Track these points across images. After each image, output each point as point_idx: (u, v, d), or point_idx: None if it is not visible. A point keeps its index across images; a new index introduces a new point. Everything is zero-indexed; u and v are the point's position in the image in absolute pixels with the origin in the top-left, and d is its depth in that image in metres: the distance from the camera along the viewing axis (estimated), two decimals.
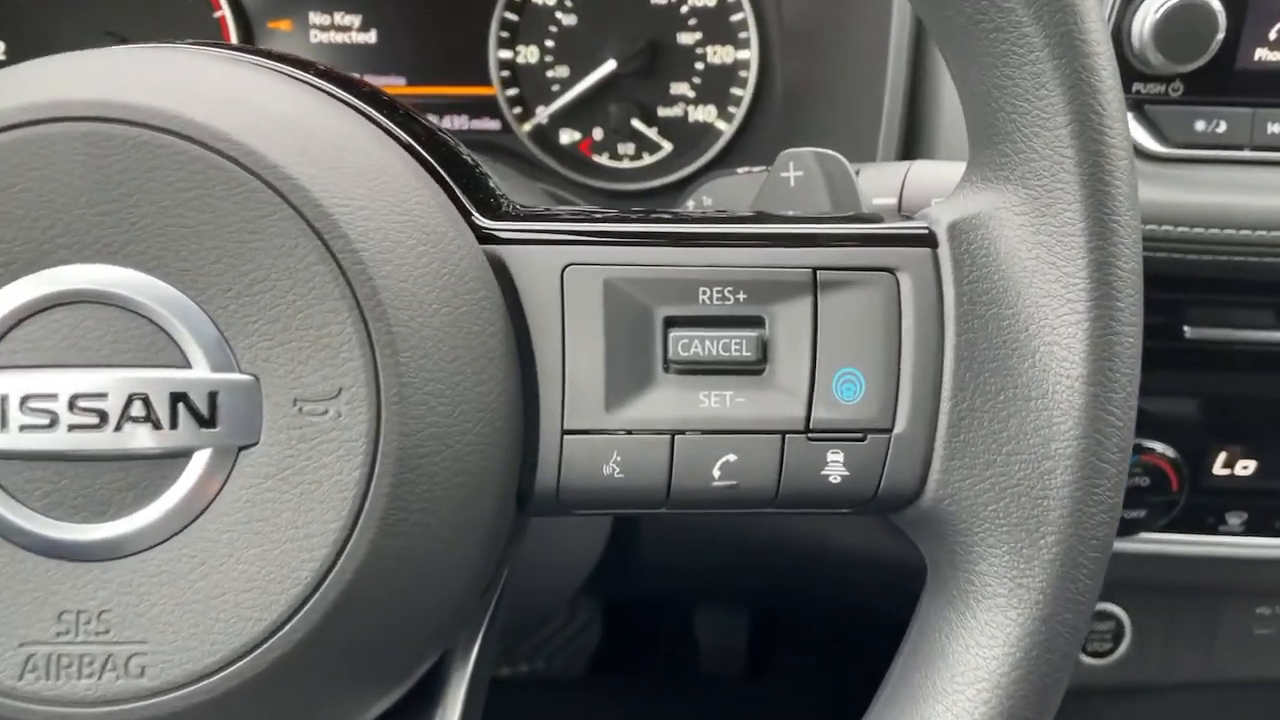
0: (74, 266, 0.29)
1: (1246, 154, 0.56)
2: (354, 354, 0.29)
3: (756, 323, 0.33)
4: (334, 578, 0.29)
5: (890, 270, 0.33)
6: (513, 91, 0.74)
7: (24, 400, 0.29)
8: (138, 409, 0.29)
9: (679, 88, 0.74)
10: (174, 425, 0.29)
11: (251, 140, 0.30)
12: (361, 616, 0.30)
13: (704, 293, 0.33)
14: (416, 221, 0.31)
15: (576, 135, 0.75)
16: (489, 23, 0.72)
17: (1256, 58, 0.55)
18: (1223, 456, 0.63)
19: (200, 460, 0.29)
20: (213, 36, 0.71)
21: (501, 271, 0.33)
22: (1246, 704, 0.79)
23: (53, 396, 0.29)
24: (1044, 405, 0.32)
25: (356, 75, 0.37)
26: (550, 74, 0.74)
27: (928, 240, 0.33)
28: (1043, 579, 0.32)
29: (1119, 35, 0.54)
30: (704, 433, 0.33)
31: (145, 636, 0.29)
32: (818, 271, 0.33)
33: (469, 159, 0.37)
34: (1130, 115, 0.57)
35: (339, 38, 0.73)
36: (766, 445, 0.33)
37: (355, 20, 0.73)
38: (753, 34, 0.73)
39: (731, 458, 0.33)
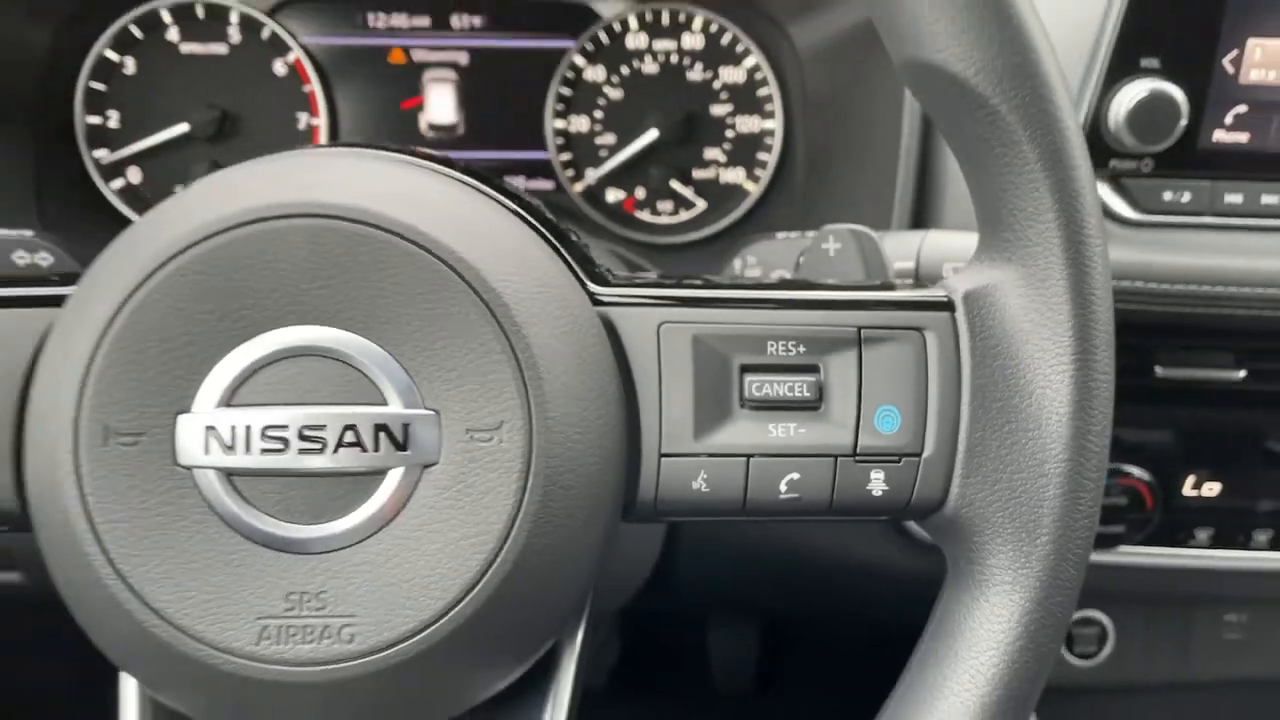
0: (299, 328, 0.38)
1: (1207, 220, 0.66)
2: (512, 395, 0.38)
3: (814, 370, 0.42)
4: (496, 568, 0.38)
5: (919, 329, 0.42)
6: (566, 156, 0.83)
7: (263, 430, 0.37)
8: (349, 437, 0.38)
9: (712, 153, 0.83)
10: (375, 449, 0.38)
11: (432, 231, 0.39)
12: (514, 598, 0.39)
13: (771, 345, 0.42)
14: (550, 290, 0.41)
15: (621, 194, 0.84)
16: (546, 96, 0.82)
17: (1214, 139, 0.65)
18: (1191, 479, 0.72)
19: (394, 476, 0.38)
20: (302, 107, 0.80)
21: (610, 328, 0.42)
22: (1220, 702, 0.87)
23: (284, 427, 0.37)
24: (1039, 435, 0.41)
25: (496, 178, 0.46)
26: (598, 140, 0.83)
27: (948, 306, 0.42)
28: (1039, 569, 0.41)
29: (1098, 121, 0.64)
30: (772, 456, 0.42)
31: (354, 611, 0.38)
32: (861, 330, 0.42)
33: (576, 237, 0.46)
34: (1108, 187, 0.66)
35: (412, 108, 0.82)
36: (822, 466, 0.42)
37: (426, 93, 0.82)
38: (778, 106, 0.82)
39: (795, 475, 0.42)
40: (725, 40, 0.81)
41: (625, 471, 0.42)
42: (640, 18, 0.81)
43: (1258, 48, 0.63)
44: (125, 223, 0.78)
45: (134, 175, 0.80)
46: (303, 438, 0.37)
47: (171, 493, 0.37)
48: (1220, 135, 0.65)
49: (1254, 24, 0.63)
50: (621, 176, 0.83)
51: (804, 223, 0.79)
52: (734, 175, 0.84)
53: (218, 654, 0.37)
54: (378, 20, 0.81)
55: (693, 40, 0.82)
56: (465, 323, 0.38)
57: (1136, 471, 0.71)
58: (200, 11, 0.78)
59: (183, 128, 0.78)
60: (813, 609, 1.02)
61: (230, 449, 0.37)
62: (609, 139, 0.83)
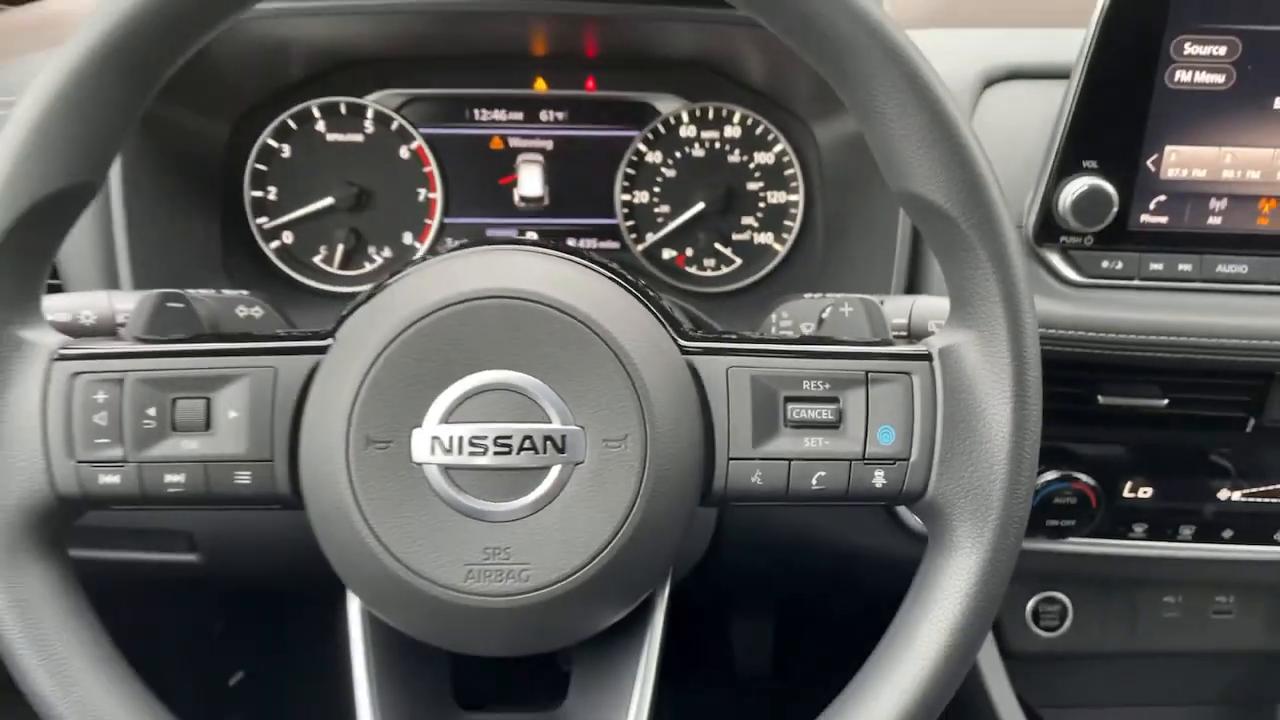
0: (493, 371, 0.57)
1: (1135, 283, 0.85)
2: (633, 416, 0.57)
3: (835, 400, 0.61)
4: (621, 534, 0.57)
5: (908, 373, 0.61)
6: (630, 222, 1.03)
7: (470, 439, 0.56)
8: (526, 444, 0.57)
9: (747, 220, 1.03)
10: (543, 452, 0.57)
11: (580, 305, 0.58)
12: (632, 557, 0.57)
13: (806, 383, 0.61)
14: (654, 343, 0.60)
15: (674, 253, 1.04)
16: (615, 174, 1.02)
17: (1141, 221, 0.84)
18: (1129, 484, 0.91)
19: (555, 471, 0.57)
20: (422, 184, 1.00)
21: (693, 369, 0.62)
22: (1162, 669, 1.06)
23: (484, 438, 0.56)
24: (989, 447, 0.59)
25: (614, 265, 0.65)
26: (656, 210, 1.03)
27: (927, 358, 0.61)
28: (990, 537, 0.59)
29: (1050, 207, 0.83)
30: (806, 460, 0.61)
31: (528, 560, 0.57)
32: (868, 373, 0.61)
33: (665, 302, 0.65)
34: (1059, 256, 0.85)
35: (508, 184, 1.02)
36: (841, 467, 0.61)
37: (520, 172, 1.02)
38: (800, 183, 1.02)
39: (822, 473, 0.61)
40: (758, 131, 1.01)
41: (704, 469, 0.61)
42: (691, 113, 1.01)
43: (1173, 152, 0.82)
44: (283, 277, 0.98)
45: (288, 238, 1.00)
46: (496, 444, 0.56)
47: (409, 481, 0.57)
48: (1145, 218, 0.84)
49: (1169, 135, 0.82)
50: (674, 239, 1.03)
51: (822, 280, 0.99)
52: (765, 238, 1.03)
53: (438, 587, 0.56)
54: (482, 115, 1.01)
55: (732, 131, 1.01)
56: (601, 367, 0.58)
57: (1084, 478, 0.89)
58: (343, 109, 0.99)
59: (328, 201, 0.99)
60: (826, 593, 1.21)
61: (448, 452, 0.56)
62: (664, 208, 1.03)
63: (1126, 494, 0.92)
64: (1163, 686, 1.07)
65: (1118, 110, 0.81)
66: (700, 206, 1.01)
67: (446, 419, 0.57)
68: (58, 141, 0.53)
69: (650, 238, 1.03)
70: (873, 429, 0.61)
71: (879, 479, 0.60)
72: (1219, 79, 0.80)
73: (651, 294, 0.64)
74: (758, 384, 0.61)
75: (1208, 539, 0.92)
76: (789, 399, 0.61)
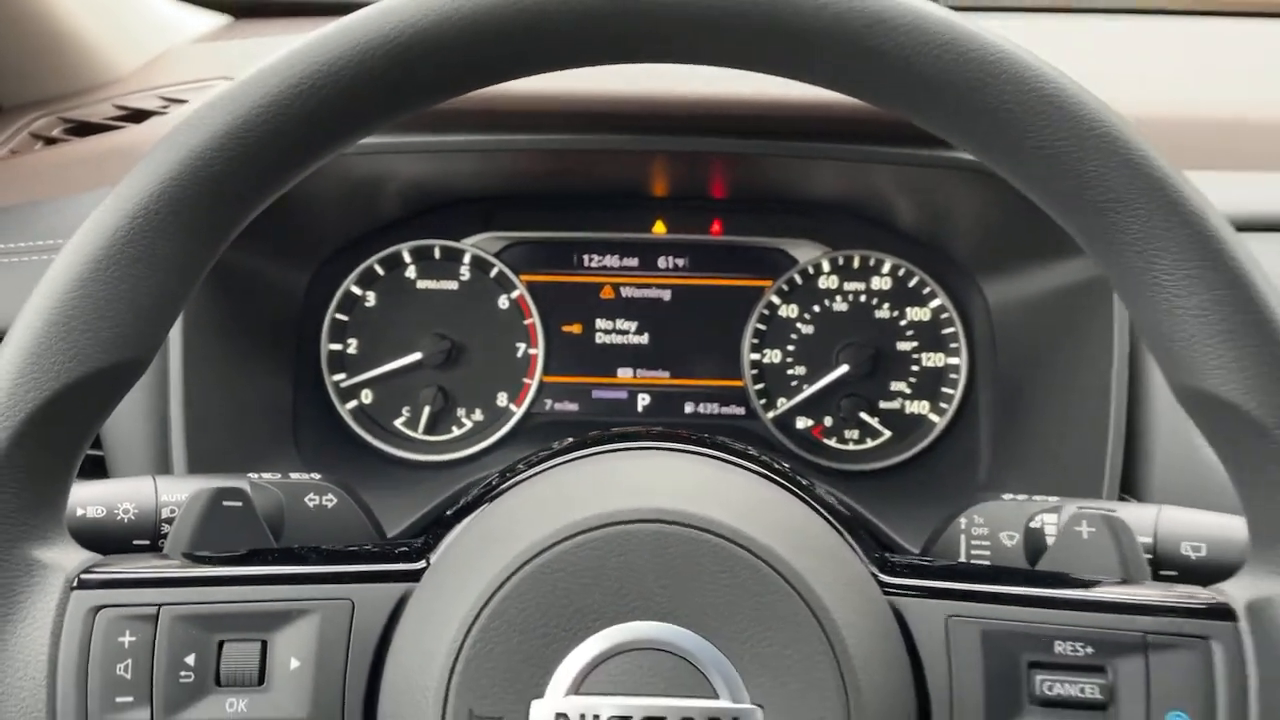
0: (640, 623, 0.42)
1: None
2: (832, 694, 0.42)
3: (1102, 670, 0.45)
4: None
5: (1205, 637, 0.44)
6: (759, 385, 0.89)
7: (611, 719, 0.41)
8: None
9: (898, 385, 0.88)
10: None
11: (759, 535, 0.43)
12: None
13: (1059, 645, 0.45)
14: (854, 587, 0.44)
15: (810, 422, 0.89)
16: (745, 329, 0.88)
17: None
18: None
19: None
20: (522, 338, 0.88)
21: (899, 616, 0.46)
22: None
23: (628, 718, 0.41)
24: None
25: (792, 468, 0.51)
26: (790, 372, 0.88)
27: (1230, 615, 0.45)
28: None
29: None
30: None
31: None
32: (1148, 635, 0.45)
33: (853, 513, 0.50)
34: None
35: (618, 339, 0.89)
36: None
37: (632, 325, 0.89)
38: (962, 344, 0.87)
39: None
40: (912, 283, 0.87)
41: None
42: (833, 262, 0.88)
43: None
44: (360, 443, 0.85)
45: (367, 397, 0.87)
46: None
47: None
48: None
49: None
50: (811, 406, 0.88)
51: (995, 467, 0.82)
52: (918, 406, 0.88)
53: None
54: (592, 261, 0.88)
55: (881, 282, 0.88)
56: (791, 623, 0.42)
57: None
58: (437, 253, 0.87)
59: (415, 356, 0.86)
60: None
61: None
62: (800, 370, 0.88)
63: None
64: None
65: None
66: (843, 369, 0.87)
67: (576, 688, 0.42)
68: (90, 316, 0.41)
69: (783, 404, 0.88)
70: (1157, 717, 0.44)
71: None
72: None
73: (844, 512, 0.49)
74: (992, 643, 0.45)
75: None
76: (1035, 664, 0.45)
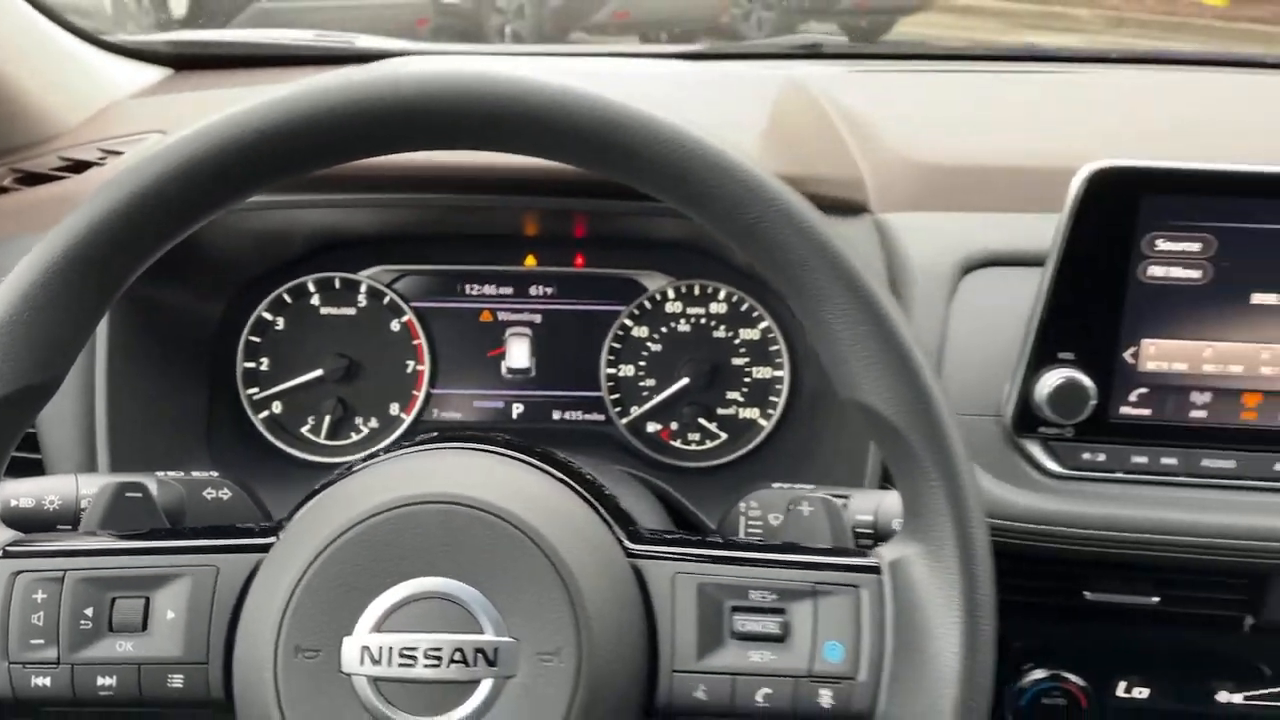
0: (427, 578, 0.57)
1: (1118, 476, 0.83)
2: (568, 629, 0.56)
3: (782, 612, 0.60)
4: None
5: (856, 587, 0.59)
6: (615, 396, 1.04)
7: (401, 650, 0.56)
8: (457, 656, 0.55)
9: (732, 394, 1.03)
10: (474, 665, 0.56)
11: (520, 512, 0.58)
12: None
13: (753, 594, 0.60)
14: (598, 550, 0.59)
15: (659, 426, 1.04)
16: (602, 348, 1.03)
17: (1121, 413, 0.83)
18: (1124, 684, 0.87)
19: (486, 684, 0.55)
20: (411, 356, 1.02)
21: (639, 573, 0.61)
22: None
23: (415, 649, 0.55)
24: (939, 671, 0.57)
25: (559, 454, 0.65)
26: (641, 384, 1.03)
27: (877, 571, 0.60)
28: None
29: (1027, 397, 0.82)
30: (752, 675, 0.59)
31: None
32: (816, 585, 0.60)
33: (610, 494, 0.65)
34: (1039, 447, 0.84)
35: (496, 356, 1.03)
36: (787, 684, 0.59)
37: (508, 345, 1.03)
38: (785, 359, 1.02)
39: (768, 689, 0.59)
40: (744, 308, 1.02)
41: (646, 681, 0.59)
42: (677, 290, 1.02)
43: (1151, 345, 0.81)
44: (270, 449, 0.99)
45: (277, 408, 1.02)
46: (426, 656, 0.55)
47: (336, 693, 0.56)
48: (1125, 410, 0.83)
49: (1146, 328, 0.81)
50: (659, 412, 1.03)
51: (805, 462, 0.97)
52: (750, 413, 1.03)
53: None
54: (473, 290, 1.03)
55: (718, 307, 1.03)
56: (537, 575, 0.57)
57: (1073, 678, 0.85)
58: (337, 284, 1.01)
59: (318, 372, 1.00)
60: None
61: (377, 663, 0.55)
62: (650, 382, 1.03)
63: (1120, 694, 0.88)
64: None
65: (1092, 303, 0.81)
66: (685, 381, 1.02)
67: (378, 628, 0.56)
68: (6, 348, 0.55)
69: (635, 411, 1.03)
70: (820, 645, 0.59)
71: (825, 699, 0.59)
72: (1195, 274, 0.80)
73: (606, 492, 0.64)
74: (704, 593, 0.60)
75: None
76: (735, 609, 0.60)
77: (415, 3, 7.20)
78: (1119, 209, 0.79)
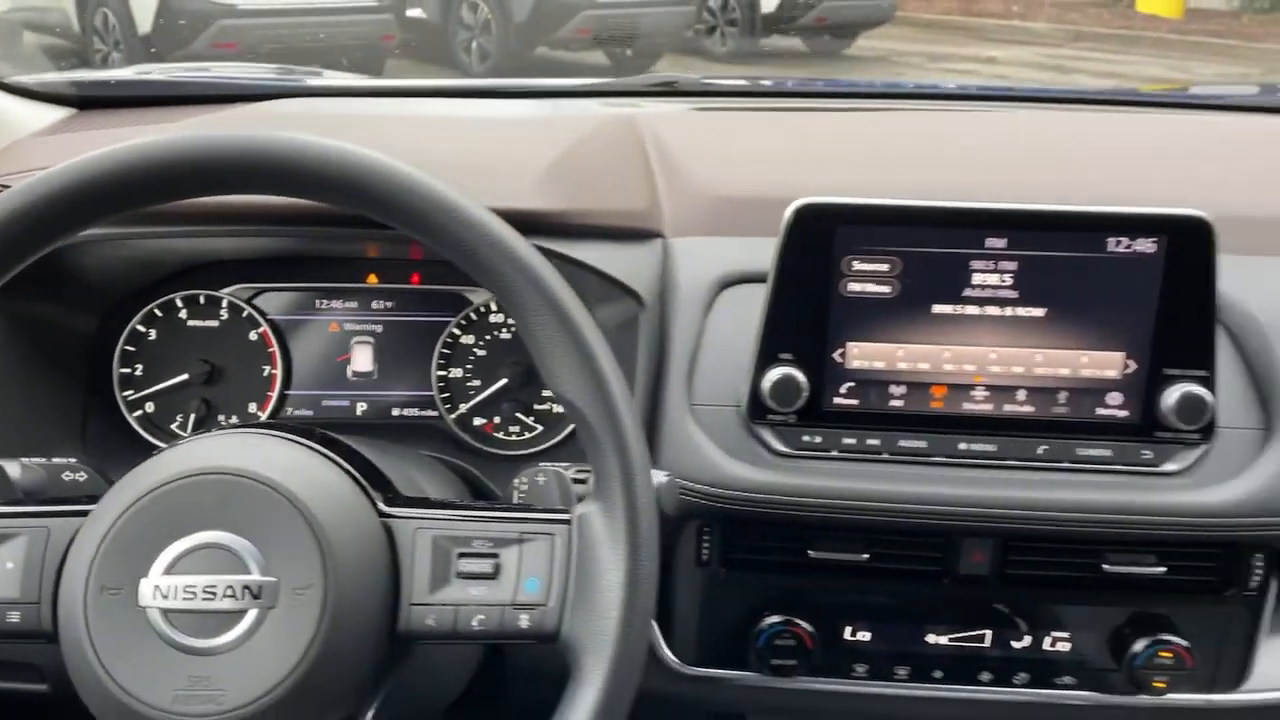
0: (209, 532, 0.73)
1: (833, 454, 1.00)
2: (316, 571, 0.73)
3: (495, 556, 0.77)
4: (300, 666, 0.71)
5: (551, 534, 0.77)
6: (445, 394, 1.20)
7: (184, 588, 0.72)
8: (229, 591, 0.72)
9: (545, 392, 1.20)
10: (243, 598, 0.72)
11: (284, 480, 0.74)
12: (314, 685, 0.72)
13: (475, 542, 0.77)
14: (349, 511, 0.76)
15: (483, 420, 1.21)
16: (434, 353, 1.20)
17: (833, 403, 1.00)
18: (848, 629, 1.04)
19: (252, 614, 0.72)
20: (267, 362, 1.18)
21: (388, 529, 0.77)
22: None
23: (195, 586, 0.72)
24: (607, 598, 0.74)
25: (325, 432, 0.82)
26: (468, 384, 1.20)
27: (567, 523, 0.77)
28: (606, 669, 0.73)
29: (757, 391, 0.99)
30: (470, 606, 0.76)
31: (224, 687, 0.71)
32: (521, 534, 0.77)
33: (373, 463, 0.82)
34: (768, 431, 1.01)
35: (341, 362, 1.20)
36: (497, 611, 0.76)
37: (352, 352, 1.20)
38: None
39: (482, 616, 0.76)
40: None
41: (390, 613, 0.76)
42: (499, 302, 1.19)
43: (854, 347, 0.99)
44: (142, 443, 1.15)
45: (150, 407, 1.18)
46: (205, 592, 0.72)
47: (134, 621, 0.72)
48: (837, 400, 1.00)
49: (849, 333, 0.99)
50: (483, 408, 1.20)
51: None
52: (559, 408, 1.19)
53: (151, 710, 0.71)
54: (322, 304, 1.20)
55: None
56: (295, 529, 0.73)
57: (802, 623, 1.02)
58: (202, 300, 1.18)
59: (184, 376, 1.17)
60: None
61: (166, 597, 0.72)
62: (475, 382, 1.20)
63: (846, 637, 1.05)
64: None
65: (804, 313, 0.98)
66: (505, 381, 1.19)
67: (168, 571, 0.72)
68: None
69: (463, 407, 1.20)
70: (522, 580, 0.76)
71: (524, 621, 0.75)
72: (885, 289, 0.98)
73: (374, 467, 0.81)
74: (437, 544, 0.77)
75: (922, 679, 1.05)
76: (460, 555, 0.77)
77: (381, 19, 7.24)
78: (820, 236, 0.97)
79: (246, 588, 0.72)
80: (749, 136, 1.41)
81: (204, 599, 0.72)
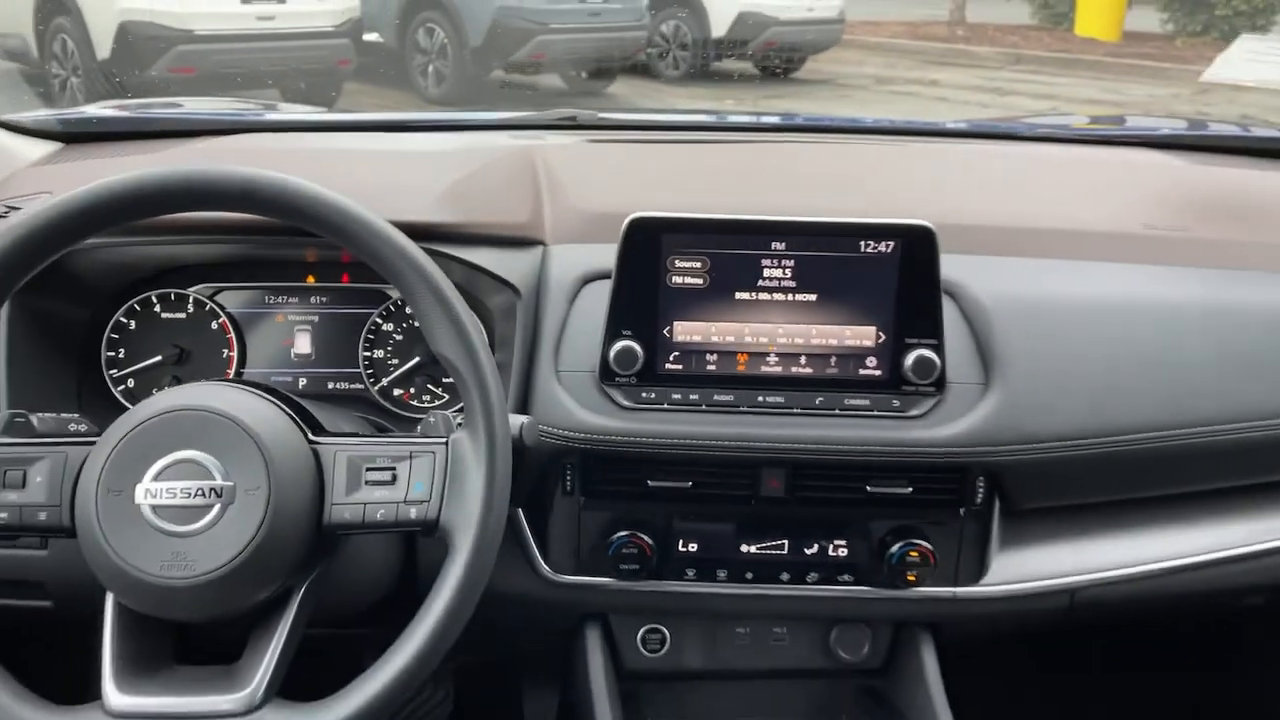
0: (186, 450, 1.03)
1: (665, 407, 1.31)
2: (262, 478, 1.03)
3: (394, 468, 1.06)
4: (249, 545, 1.01)
5: (433, 452, 1.07)
6: (370, 371, 1.50)
7: (166, 489, 1.01)
8: (199, 490, 1.01)
9: None
10: (209, 498, 1.02)
11: (241, 415, 1.04)
12: (260, 560, 1.01)
13: (377, 459, 1.07)
14: (287, 439, 1.06)
15: (401, 391, 1.50)
16: (359, 338, 1.50)
17: (665, 368, 1.31)
18: (680, 541, 1.35)
19: (216, 508, 1.01)
20: (226, 346, 1.47)
21: (315, 453, 1.07)
22: (745, 686, 1.46)
23: (175, 488, 1.02)
24: (472, 497, 1.04)
25: (270, 385, 1.12)
26: (389, 362, 1.50)
27: (446, 444, 1.07)
28: (470, 549, 1.03)
29: (607, 360, 1.30)
30: (374, 503, 1.05)
31: (194, 559, 1.00)
32: (411, 451, 1.07)
33: (307, 408, 1.12)
34: (616, 390, 1.32)
35: (285, 345, 1.49)
36: (393, 506, 1.05)
37: (294, 338, 1.49)
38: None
39: (383, 511, 1.05)
40: None
41: (317, 510, 1.06)
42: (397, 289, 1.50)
43: (680, 326, 1.31)
44: (123, 409, 1.44)
45: (130, 383, 1.47)
46: (182, 493, 1.01)
47: (132, 514, 1.01)
48: (668, 366, 1.31)
49: (675, 315, 1.30)
50: (401, 381, 1.50)
51: None
52: None
53: (146, 575, 1.00)
54: (270, 299, 1.49)
55: None
56: (247, 449, 1.03)
57: (644, 536, 1.33)
58: (173, 296, 1.47)
59: (158, 358, 1.46)
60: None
61: (154, 497, 1.01)
62: (395, 361, 1.50)
63: (680, 548, 1.36)
64: (757, 705, 1.48)
65: (639, 300, 1.30)
66: (418, 359, 1.49)
67: (156, 478, 1.02)
68: None
69: (384, 381, 1.50)
70: (412, 484, 1.06)
71: (413, 513, 1.05)
72: (700, 281, 1.30)
73: (306, 411, 1.11)
74: (351, 461, 1.07)
75: (738, 580, 1.36)
76: (368, 468, 1.06)
77: (337, 44, 7.47)
78: (650, 242, 1.28)
79: (213, 489, 1.02)
80: (628, 164, 1.73)
81: (182, 498, 1.01)
